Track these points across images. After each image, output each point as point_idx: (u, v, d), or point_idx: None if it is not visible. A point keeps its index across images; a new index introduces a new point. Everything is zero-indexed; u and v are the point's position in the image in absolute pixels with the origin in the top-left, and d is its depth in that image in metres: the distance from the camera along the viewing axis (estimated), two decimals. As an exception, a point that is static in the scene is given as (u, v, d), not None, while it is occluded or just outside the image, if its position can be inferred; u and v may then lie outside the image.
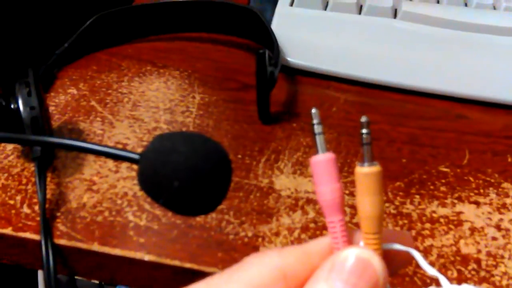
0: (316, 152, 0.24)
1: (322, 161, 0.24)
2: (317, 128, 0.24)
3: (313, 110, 0.24)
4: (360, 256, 0.23)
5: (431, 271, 0.24)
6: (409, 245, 0.25)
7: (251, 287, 0.22)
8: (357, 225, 0.25)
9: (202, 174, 0.28)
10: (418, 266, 0.36)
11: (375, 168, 0.23)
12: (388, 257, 0.24)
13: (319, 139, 0.24)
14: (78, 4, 0.60)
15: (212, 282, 0.23)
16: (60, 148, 0.43)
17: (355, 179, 0.24)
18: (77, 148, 0.32)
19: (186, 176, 0.28)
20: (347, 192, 0.41)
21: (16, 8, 0.55)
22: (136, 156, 0.29)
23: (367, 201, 0.23)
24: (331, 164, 0.24)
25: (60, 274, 0.38)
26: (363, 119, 0.24)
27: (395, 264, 0.25)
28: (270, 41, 0.51)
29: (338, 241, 0.24)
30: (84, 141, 0.37)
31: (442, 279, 0.24)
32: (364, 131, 0.24)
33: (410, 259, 0.25)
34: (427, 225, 0.39)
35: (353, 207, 0.40)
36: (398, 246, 0.24)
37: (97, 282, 0.97)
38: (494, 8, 0.56)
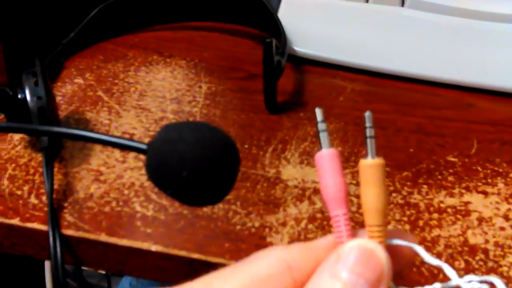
0: (320, 148, 0.25)
1: (326, 156, 0.25)
2: (321, 126, 0.25)
3: (317, 109, 0.25)
4: (365, 247, 0.23)
5: (435, 261, 0.24)
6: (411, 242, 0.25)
7: (257, 278, 0.23)
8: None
9: (210, 164, 0.28)
10: (425, 256, 0.36)
11: (379, 160, 0.24)
12: (391, 255, 0.24)
13: (323, 136, 0.25)
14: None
15: (218, 275, 0.23)
16: (68, 138, 0.43)
17: (359, 172, 0.24)
18: (85, 138, 0.32)
19: (194, 167, 0.28)
20: (354, 182, 0.41)
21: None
22: (143, 146, 0.29)
23: (371, 193, 0.24)
24: (335, 159, 0.25)
25: (67, 264, 0.38)
26: (367, 113, 0.25)
27: (399, 263, 0.25)
28: (277, 30, 0.51)
29: (342, 234, 0.24)
30: (91, 131, 0.37)
31: (446, 268, 0.24)
32: (367, 125, 0.25)
33: (413, 256, 0.25)
34: (435, 215, 0.39)
35: (360, 197, 0.40)
36: (400, 242, 0.24)
37: (103, 272, 0.98)
38: (503, -4, 0.56)
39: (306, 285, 0.23)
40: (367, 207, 0.24)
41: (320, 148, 0.25)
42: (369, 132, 0.24)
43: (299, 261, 0.24)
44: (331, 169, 0.24)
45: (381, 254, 0.23)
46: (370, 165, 0.24)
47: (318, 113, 0.25)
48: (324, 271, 0.23)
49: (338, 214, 0.24)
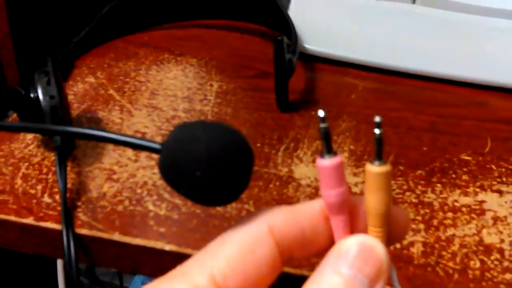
0: (323, 154, 0.24)
1: (328, 166, 0.24)
2: (324, 130, 0.24)
3: (320, 112, 0.24)
4: (364, 242, 0.24)
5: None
6: (405, 220, 0.27)
7: (243, 245, 0.24)
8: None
9: (224, 163, 0.28)
10: (440, 256, 0.36)
11: (385, 168, 0.24)
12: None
13: (326, 142, 0.24)
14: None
15: (209, 250, 0.25)
16: (83, 138, 0.43)
17: (365, 176, 0.24)
18: (98, 138, 0.32)
19: (208, 166, 0.28)
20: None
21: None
22: (157, 146, 0.29)
23: (375, 199, 0.24)
24: (338, 168, 0.24)
25: (81, 263, 0.38)
26: (377, 119, 0.24)
27: (395, 231, 0.26)
28: (287, 28, 0.51)
29: (342, 236, 0.25)
30: (104, 130, 0.36)
31: None
32: (376, 131, 0.24)
33: (408, 224, 0.27)
34: (449, 214, 0.39)
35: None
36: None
37: (116, 270, 0.98)
38: (516, -8, 0.55)
39: (309, 279, 0.24)
40: (371, 211, 0.24)
41: (322, 153, 0.24)
42: (378, 137, 0.24)
43: (281, 224, 0.25)
44: (334, 178, 0.24)
45: (380, 250, 0.24)
46: (377, 172, 0.24)
47: (322, 116, 0.24)
48: (326, 266, 0.24)
49: (338, 219, 0.25)
